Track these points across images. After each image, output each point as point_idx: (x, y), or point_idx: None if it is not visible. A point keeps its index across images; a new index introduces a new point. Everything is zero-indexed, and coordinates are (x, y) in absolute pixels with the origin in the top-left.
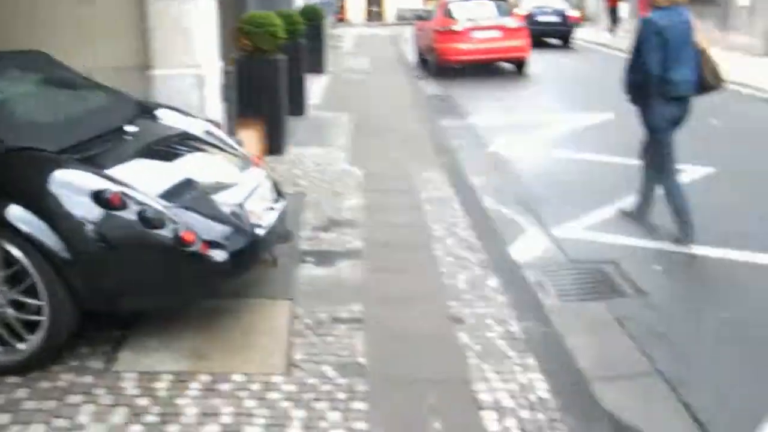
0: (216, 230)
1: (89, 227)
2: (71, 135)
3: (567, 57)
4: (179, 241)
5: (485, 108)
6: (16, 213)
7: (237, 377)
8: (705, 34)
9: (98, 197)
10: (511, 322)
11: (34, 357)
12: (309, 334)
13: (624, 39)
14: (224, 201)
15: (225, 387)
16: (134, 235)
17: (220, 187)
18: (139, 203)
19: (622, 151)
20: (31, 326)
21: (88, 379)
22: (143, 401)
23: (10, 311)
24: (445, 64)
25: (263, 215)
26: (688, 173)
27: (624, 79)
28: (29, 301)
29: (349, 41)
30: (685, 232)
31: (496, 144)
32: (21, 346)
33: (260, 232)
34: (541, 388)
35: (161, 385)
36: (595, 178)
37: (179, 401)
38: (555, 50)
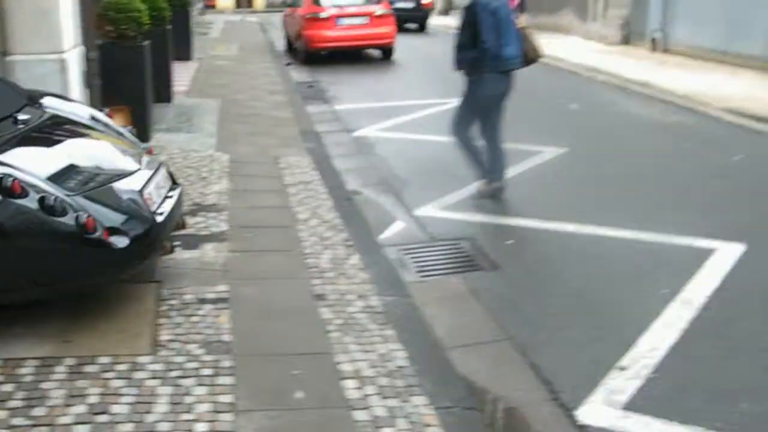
0: (117, 217)
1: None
2: None
3: (429, 43)
4: (82, 228)
5: (352, 94)
6: None
7: (103, 359)
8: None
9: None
10: (372, 297)
11: None
12: (175, 315)
13: None
14: (123, 188)
15: (91, 369)
16: (36, 222)
17: (118, 174)
18: (40, 191)
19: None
20: None
21: None
22: (7, 387)
23: None
24: (313, 51)
25: (161, 203)
26: (545, 154)
27: (456, 57)
28: None
29: (218, 28)
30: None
31: (361, 129)
32: None
33: (159, 219)
34: (400, 357)
35: (26, 371)
36: (455, 160)
37: (45, 385)
38: (418, 35)
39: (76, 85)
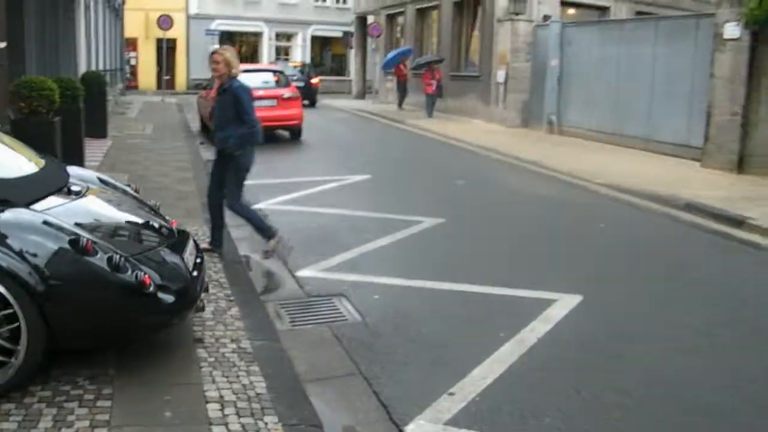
0: (166, 276)
1: (65, 270)
2: (35, 191)
3: (330, 121)
4: (140, 284)
5: (256, 171)
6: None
7: None
8: None
9: (75, 244)
10: (244, 341)
11: (8, 384)
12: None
13: (412, 111)
14: (168, 253)
15: None
16: (102, 278)
17: (163, 240)
18: (107, 251)
19: (370, 206)
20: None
21: None
22: None
23: None
24: None
25: (194, 266)
26: (423, 224)
27: (230, 136)
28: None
29: (136, 107)
30: (267, 235)
31: (259, 203)
32: None
33: (196, 280)
34: (260, 387)
35: None
36: (338, 229)
37: None
38: (313, 112)
39: None
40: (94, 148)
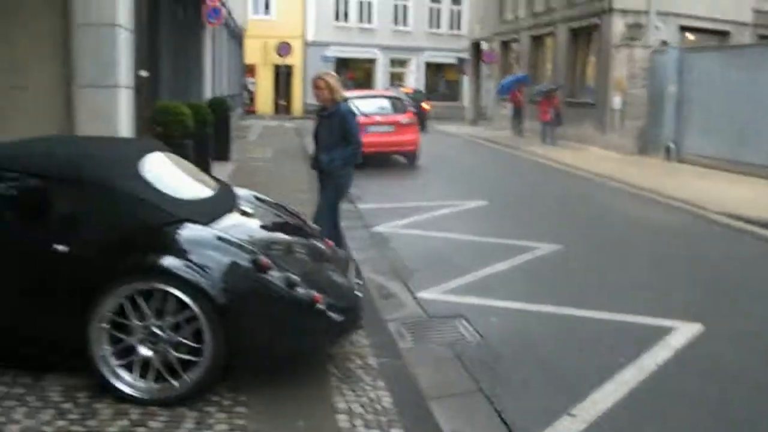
0: (335, 295)
1: (244, 285)
2: (213, 211)
3: (452, 149)
4: (312, 301)
5: (374, 194)
6: (187, 269)
7: None
8: None
9: (254, 262)
10: (370, 358)
11: (188, 394)
12: None
13: (529, 138)
14: (337, 274)
15: None
16: (276, 294)
17: (330, 260)
18: (282, 269)
19: (488, 231)
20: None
21: None
22: None
23: (172, 353)
24: None
25: (357, 289)
26: (540, 249)
27: (335, 157)
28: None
29: (255, 132)
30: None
31: (379, 225)
32: (175, 384)
33: (359, 300)
34: (386, 401)
35: None
36: (458, 253)
37: None
38: (429, 138)
39: None
40: (219, 170)
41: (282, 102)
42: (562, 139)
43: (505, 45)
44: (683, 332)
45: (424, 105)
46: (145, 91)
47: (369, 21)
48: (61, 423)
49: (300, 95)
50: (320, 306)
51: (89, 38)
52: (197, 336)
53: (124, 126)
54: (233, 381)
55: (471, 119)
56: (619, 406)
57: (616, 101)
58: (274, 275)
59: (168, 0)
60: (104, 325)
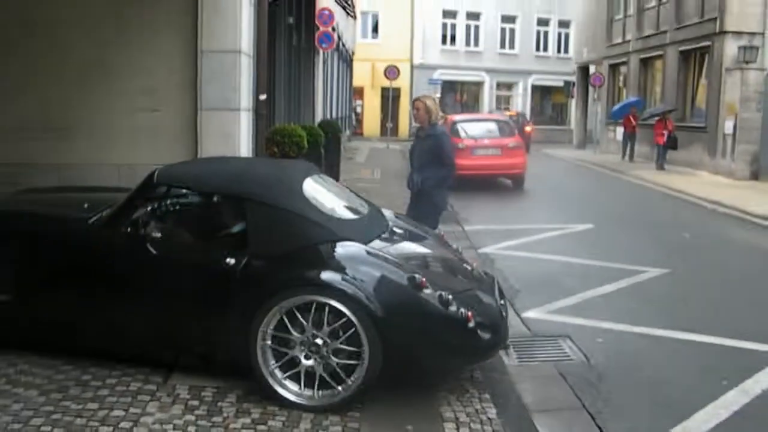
0: (484, 315)
1: (401, 301)
2: (369, 232)
3: (558, 172)
4: (464, 319)
5: (481, 216)
6: (349, 285)
7: None
8: None
9: (411, 280)
10: (476, 372)
11: (351, 398)
12: None
13: (639, 163)
14: (485, 294)
15: None
16: (432, 312)
17: (478, 281)
18: (437, 288)
19: (594, 254)
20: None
21: None
22: None
23: (333, 359)
24: None
25: (501, 308)
26: (648, 273)
27: (429, 177)
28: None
29: (363, 154)
30: None
31: (485, 247)
32: (339, 389)
33: (505, 321)
34: (491, 413)
35: None
36: (563, 274)
37: None
38: (548, 164)
39: None
40: None
41: (389, 124)
42: (670, 163)
43: (613, 68)
44: None
45: (527, 128)
46: (263, 114)
47: (476, 44)
48: (189, 417)
49: (406, 118)
50: (472, 324)
51: (214, 64)
52: (356, 347)
53: (244, 146)
54: None
55: (578, 143)
56: (722, 427)
57: (728, 125)
58: (429, 293)
59: (284, 27)
60: (269, 340)
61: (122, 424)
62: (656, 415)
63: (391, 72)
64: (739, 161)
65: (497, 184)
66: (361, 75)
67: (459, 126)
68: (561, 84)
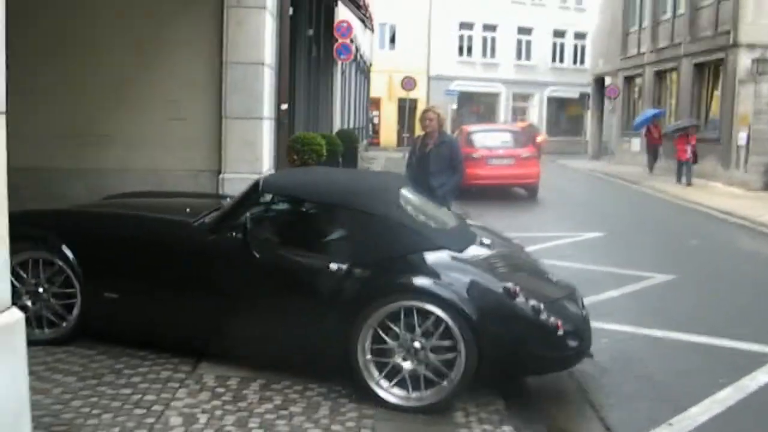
0: (571, 323)
1: (496, 308)
2: (461, 241)
3: (572, 183)
4: (554, 328)
5: (495, 224)
6: (447, 291)
7: None
8: None
9: (506, 289)
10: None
11: (455, 391)
12: None
13: (659, 176)
14: (572, 303)
15: None
16: (524, 319)
17: (563, 290)
18: (528, 297)
19: (603, 261)
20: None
21: None
22: None
23: (432, 355)
24: (465, 187)
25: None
26: (654, 279)
27: (445, 182)
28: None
29: (379, 163)
30: None
31: None
32: (444, 383)
33: (589, 329)
34: (499, 404)
35: None
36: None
37: None
38: (563, 174)
39: None
40: None
41: (405, 134)
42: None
43: (629, 80)
44: None
45: (538, 138)
46: (284, 122)
47: (492, 56)
48: (216, 402)
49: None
50: (561, 332)
51: (238, 75)
52: (452, 351)
53: (266, 153)
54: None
55: (593, 154)
56: (716, 420)
57: (742, 137)
58: (522, 302)
59: (304, 39)
60: (368, 350)
61: (154, 407)
62: (655, 408)
63: (408, 83)
64: (752, 172)
65: (511, 193)
66: (378, 86)
67: (474, 136)
68: (577, 96)
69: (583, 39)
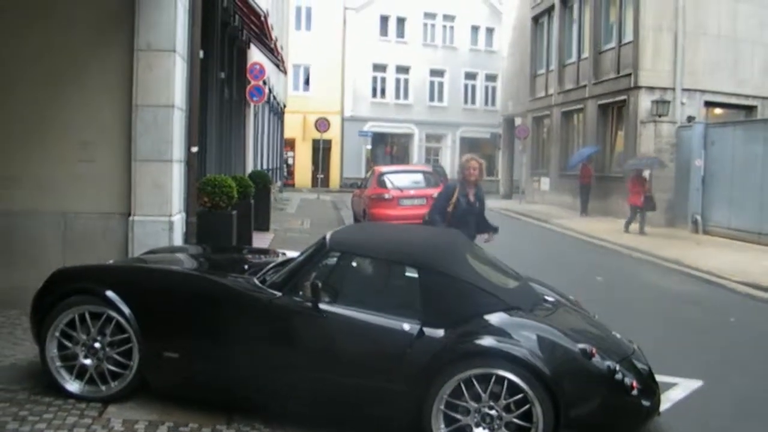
0: (642, 381)
1: (573, 368)
2: (529, 300)
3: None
4: (628, 388)
5: None
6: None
7: None
8: None
9: (583, 350)
10: None
11: None
12: None
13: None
14: (640, 361)
15: None
16: (599, 379)
17: (630, 348)
18: (604, 357)
19: None
20: None
21: None
22: None
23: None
24: None
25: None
26: None
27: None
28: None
29: (294, 204)
30: None
31: None
32: None
33: (658, 387)
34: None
35: None
36: None
37: None
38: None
39: (178, 243)
40: (259, 240)
41: (320, 175)
42: (592, 212)
43: (537, 120)
44: (683, 387)
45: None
46: (194, 165)
47: (406, 97)
48: None
49: (338, 169)
50: (635, 392)
51: (148, 117)
52: (528, 421)
53: (176, 196)
54: None
55: (504, 193)
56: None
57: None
58: (598, 362)
59: (216, 81)
60: (443, 406)
61: None
62: None
63: (322, 124)
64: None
65: None
66: (292, 127)
67: (386, 177)
68: (488, 136)
69: (494, 81)
